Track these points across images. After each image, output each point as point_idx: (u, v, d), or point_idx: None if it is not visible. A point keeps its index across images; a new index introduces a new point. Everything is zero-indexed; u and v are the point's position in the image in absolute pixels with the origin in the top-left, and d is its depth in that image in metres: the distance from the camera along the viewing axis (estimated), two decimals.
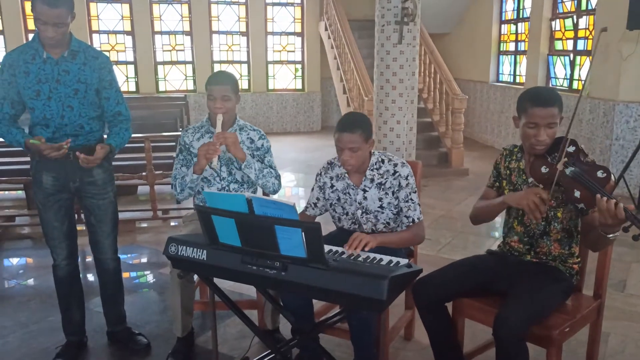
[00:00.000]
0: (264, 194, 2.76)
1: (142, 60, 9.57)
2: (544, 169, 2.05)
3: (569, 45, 6.88)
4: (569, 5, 6.91)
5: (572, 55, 6.80)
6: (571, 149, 2.02)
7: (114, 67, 2.67)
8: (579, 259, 2.24)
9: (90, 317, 2.94)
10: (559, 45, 7.11)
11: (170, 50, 9.80)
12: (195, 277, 2.67)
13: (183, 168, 2.70)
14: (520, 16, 8.08)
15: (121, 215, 2.92)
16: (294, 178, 6.79)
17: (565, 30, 6.96)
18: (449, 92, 6.92)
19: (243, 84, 10.11)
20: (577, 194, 1.93)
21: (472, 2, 9.02)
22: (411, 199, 2.39)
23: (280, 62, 10.40)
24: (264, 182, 2.64)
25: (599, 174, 1.91)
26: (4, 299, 3.45)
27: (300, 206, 2.29)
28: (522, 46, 8.04)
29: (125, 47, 9.58)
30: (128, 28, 9.51)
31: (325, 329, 2.41)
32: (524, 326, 1.92)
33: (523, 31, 8.01)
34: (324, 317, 2.60)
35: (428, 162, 6.68)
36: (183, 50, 9.84)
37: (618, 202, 1.80)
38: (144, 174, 4.60)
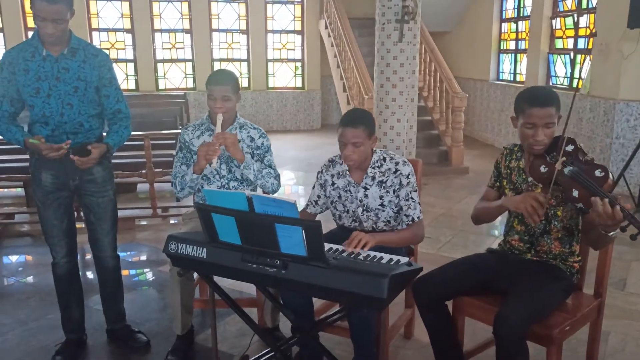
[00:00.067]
0: (264, 192, 2.75)
1: (142, 58, 9.55)
2: (542, 169, 2.05)
3: (570, 43, 6.87)
4: (569, 4, 6.90)
5: (572, 54, 6.80)
6: (570, 148, 2.02)
7: (114, 64, 2.66)
8: (580, 258, 2.24)
9: (90, 315, 2.93)
10: (559, 44, 7.10)
11: (170, 48, 9.79)
12: (195, 275, 2.66)
13: (183, 166, 2.70)
14: (521, 14, 8.07)
15: (121, 213, 2.92)
16: (293, 176, 6.78)
17: (566, 28, 6.96)
18: (449, 90, 6.91)
19: (243, 82, 10.09)
20: (575, 193, 1.92)
21: (472, 0, 9.01)
22: (411, 198, 2.38)
23: (280, 60, 10.39)
24: (263, 182, 2.64)
25: (597, 173, 1.91)
26: (3, 296, 3.45)
27: (300, 204, 2.28)
28: (523, 44, 8.03)
29: (125, 45, 9.56)
30: (128, 26, 9.49)
31: (325, 327, 2.41)
32: (525, 325, 1.91)
33: (523, 29, 8.00)
34: (324, 315, 2.60)
35: (428, 161, 6.68)
36: (183, 48, 9.83)
37: (615, 204, 1.79)
38: (143, 171, 4.59)
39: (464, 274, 2.24)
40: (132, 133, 2.73)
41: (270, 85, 10.37)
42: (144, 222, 4.88)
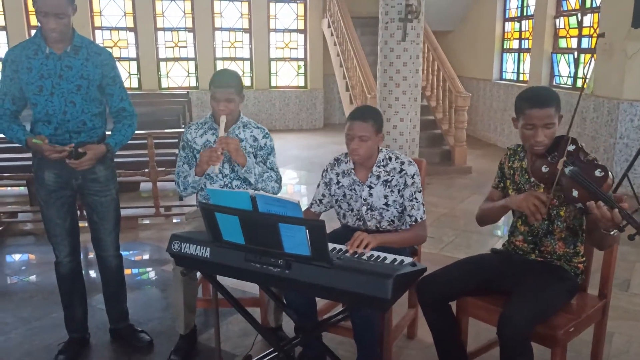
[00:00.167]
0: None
1: (145, 57, 9.56)
2: (544, 169, 2.04)
3: (573, 43, 6.85)
4: (573, 3, 6.88)
5: (576, 53, 6.77)
6: (571, 147, 2.01)
7: (117, 63, 2.66)
8: (584, 258, 2.23)
9: (93, 314, 2.93)
10: (563, 43, 7.07)
11: (172, 47, 9.79)
12: (198, 274, 2.66)
13: (185, 166, 2.69)
14: (524, 14, 8.05)
15: (123, 212, 2.91)
16: (296, 175, 6.78)
17: (570, 28, 6.93)
18: (452, 89, 6.90)
19: (245, 81, 10.09)
20: (575, 193, 1.91)
21: None
22: (415, 198, 2.38)
23: (283, 59, 10.38)
24: (264, 186, 2.64)
25: (597, 173, 1.90)
26: (6, 295, 3.45)
27: (303, 203, 2.28)
28: (526, 44, 8.01)
29: (128, 44, 9.57)
30: (131, 24, 9.50)
31: (328, 327, 2.40)
32: (529, 325, 1.91)
33: (527, 29, 7.98)
34: (327, 315, 2.59)
35: (431, 160, 6.65)
36: (186, 46, 9.83)
37: (612, 207, 1.79)
38: (146, 170, 4.59)
39: (468, 275, 2.23)
40: (135, 132, 2.72)
41: (273, 84, 10.36)
42: (146, 221, 4.87)
